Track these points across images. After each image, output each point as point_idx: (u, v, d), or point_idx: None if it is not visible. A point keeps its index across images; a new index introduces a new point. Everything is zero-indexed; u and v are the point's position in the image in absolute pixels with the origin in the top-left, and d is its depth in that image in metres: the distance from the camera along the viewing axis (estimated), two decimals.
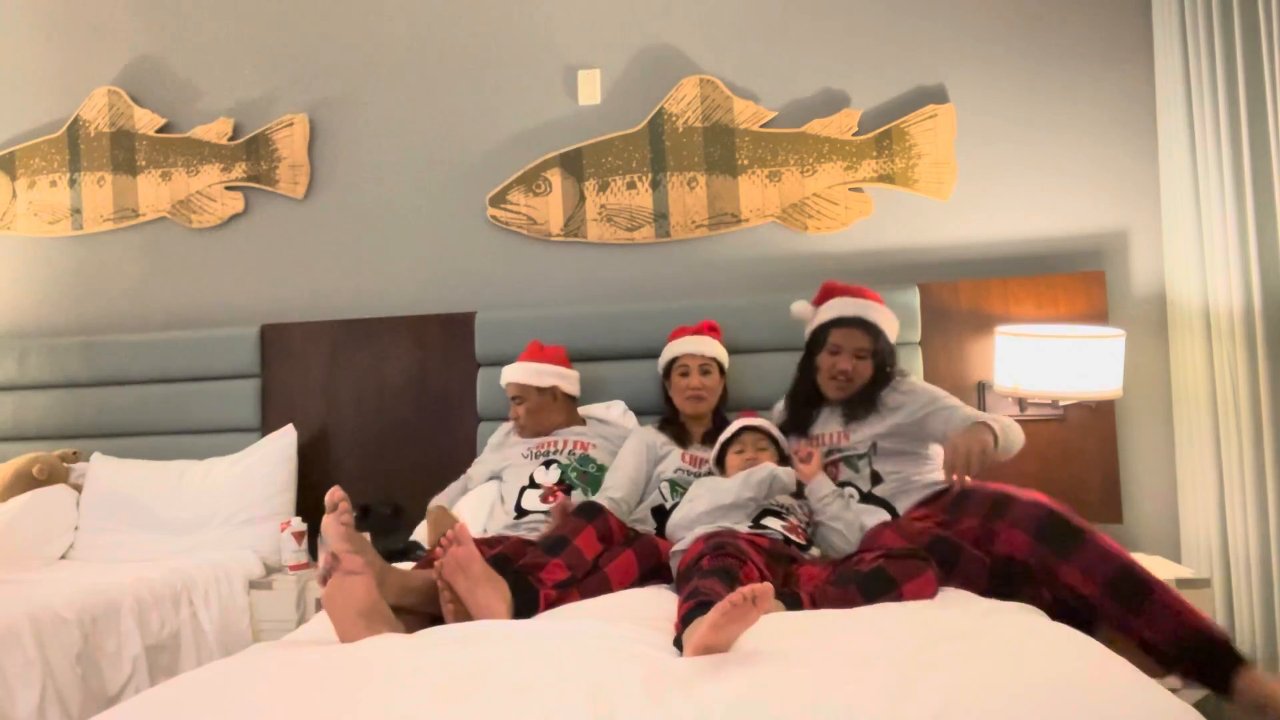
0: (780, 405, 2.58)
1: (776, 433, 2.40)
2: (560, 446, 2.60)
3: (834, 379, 2.38)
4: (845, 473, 2.34)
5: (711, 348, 2.59)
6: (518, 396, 2.68)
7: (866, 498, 2.28)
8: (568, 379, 2.72)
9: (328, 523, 1.82)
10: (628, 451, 2.49)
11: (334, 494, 1.88)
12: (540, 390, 2.68)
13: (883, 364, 2.39)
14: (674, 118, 3.11)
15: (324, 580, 1.77)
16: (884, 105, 3.03)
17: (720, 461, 2.37)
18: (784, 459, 2.35)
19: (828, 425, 2.43)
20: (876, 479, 2.30)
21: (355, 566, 1.77)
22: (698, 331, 2.64)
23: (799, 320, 2.55)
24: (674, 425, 2.59)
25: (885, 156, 3.00)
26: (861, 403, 2.37)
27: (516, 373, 2.69)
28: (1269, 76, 2.38)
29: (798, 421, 2.47)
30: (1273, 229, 2.42)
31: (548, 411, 2.69)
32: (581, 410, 2.79)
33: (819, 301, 2.50)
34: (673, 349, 2.62)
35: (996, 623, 1.49)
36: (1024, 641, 1.40)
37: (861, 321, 2.38)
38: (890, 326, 2.43)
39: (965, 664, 1.27)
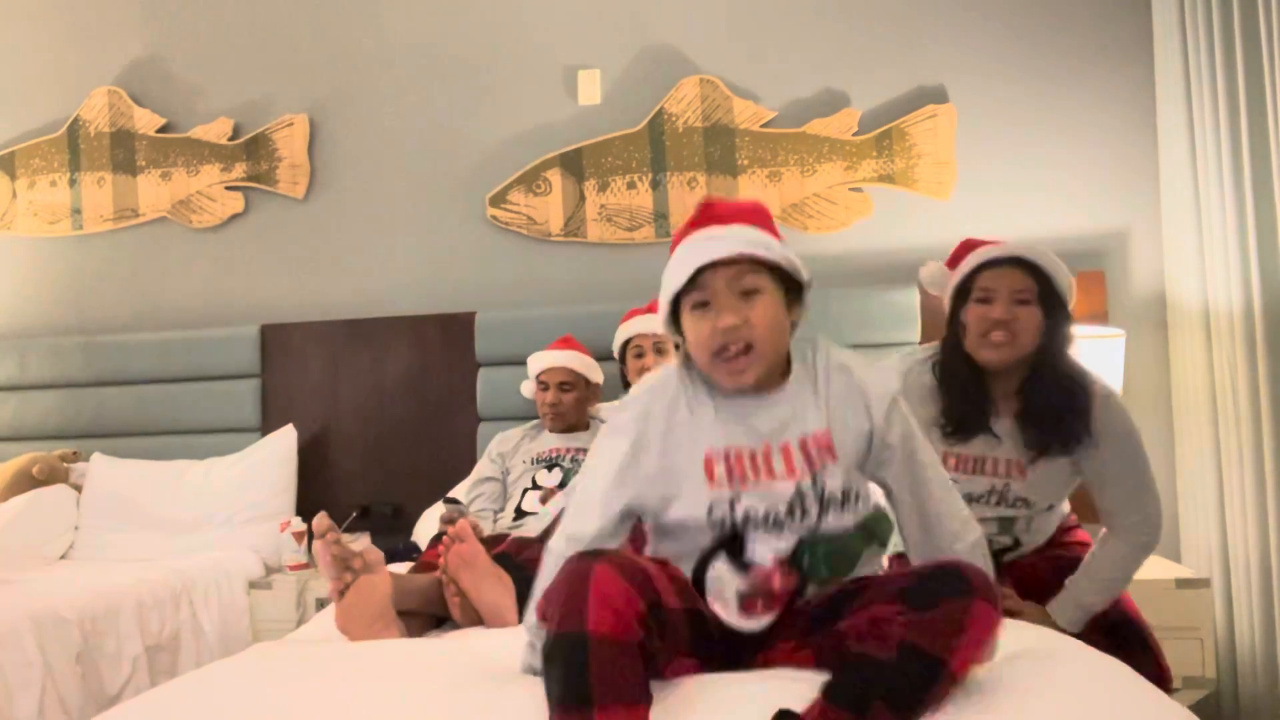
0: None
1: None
2: (564, 452, 2.60)
3: (987, 336, 1.69)
4: (989, 533, 1.71)
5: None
6: (567, 383, 2.57)
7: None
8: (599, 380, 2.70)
9: (318, 549, 1.80)
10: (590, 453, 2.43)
11: (321, 521, 1.79)
12: (589, 383, 2.64)
13: (1062, 329, 1.71)
14: (674, 118, 3.11)
15: (339, 579, 1.75)
16: (884, 105, 3.03)
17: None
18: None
19: (995, 446, 1.75)
20: (1016, 544, 1.81)
21: (375, 563, 1.77)
22: (649, 310, 2.52)
23: (932, 285, 1.90)
24: None
25: (885, 156, 3.00)
26: (1054, 417, 1.68)
27: (573, 360, 2.59)
28: (1269, 76, 2.38)
29: (954, 426, 1.76)
30: (1273, 229, 2.42)
31: (587, 405, 2.65)
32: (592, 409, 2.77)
33: (955, 260, 1.86)
34: (624, 331, 2.52)
35: None
36: (1015, 644, 1.40)
37: (1021, 261, 1.71)
38: (1067, 284, 1.72)
39: None
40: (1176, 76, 2.69)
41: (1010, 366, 1.70)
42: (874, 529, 1.26)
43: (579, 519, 1.30)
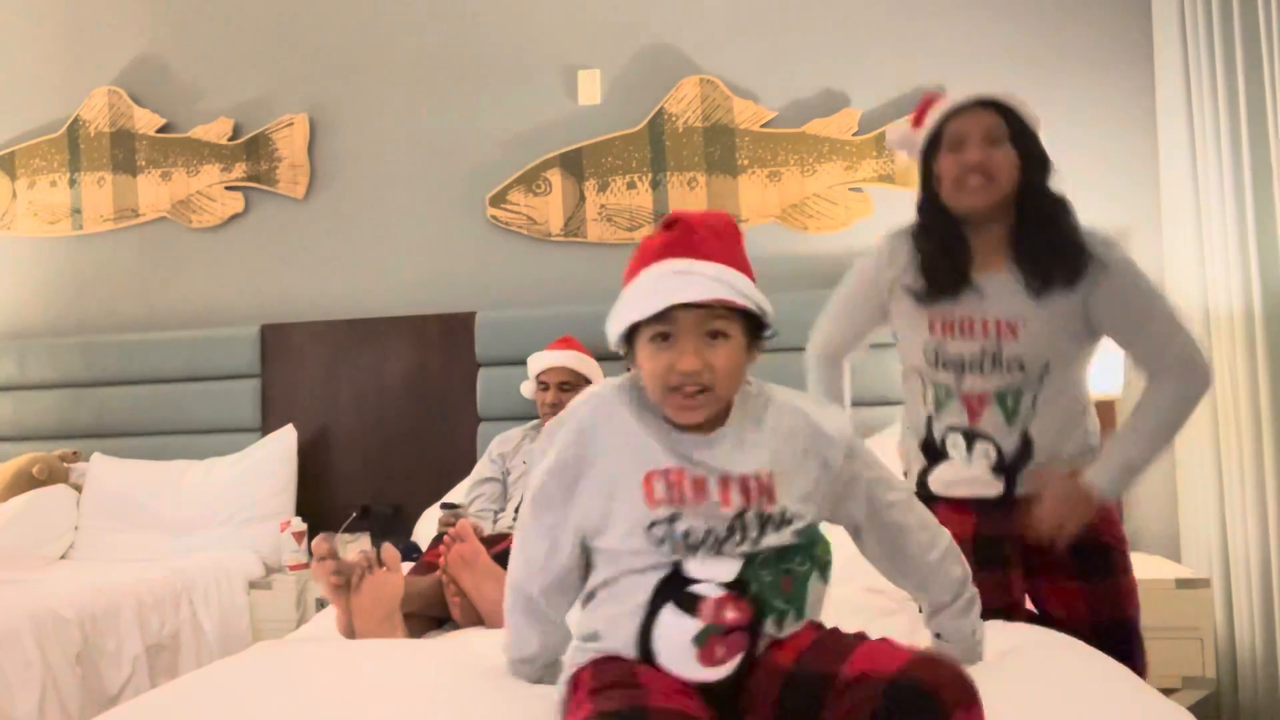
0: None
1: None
2: None
3: (963, 181, 1.62)
4: (989, 416, 1.65)
5: None
6: (567, 383, 2.60)
7: (1005, 470, 1.65)
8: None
9: (315, 573, 1.80)
10: None
11: (319, 545, 1.78)
12: (589, 383, 2.64)
13: (1041, 162, 1.68)
14: (674, 118, 3.11)
15: (338, 575, 1.75)
16: (884, 105, 3.03)
17: None
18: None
19: (982, 303, 1.65)
20: (1027, 445, 1.65)
21: (392, 563, 1.78)
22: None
23: (901, 145, 1.80)
24: None
25: (885, 156, 3.00)
26: (1051, 247, 1.61)
27: (573, 360, 2.62)
28: (1269, 76, 2.38)
29: (935, 286, 1.67)
30: (1273, 229, 2.42)
31: None
32: None
33: (920, 115, 1.75)
34: None
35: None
36: (1010, 644, 1.39)
37: (987, 103, 1.65)
38: (1035, 120, 1.70)
39: None
40: (1176, 77, 2.69)
41: (992, 214, 1.64)
42: (812, 545, 1.19)
43: (522, 553, 1.24)
